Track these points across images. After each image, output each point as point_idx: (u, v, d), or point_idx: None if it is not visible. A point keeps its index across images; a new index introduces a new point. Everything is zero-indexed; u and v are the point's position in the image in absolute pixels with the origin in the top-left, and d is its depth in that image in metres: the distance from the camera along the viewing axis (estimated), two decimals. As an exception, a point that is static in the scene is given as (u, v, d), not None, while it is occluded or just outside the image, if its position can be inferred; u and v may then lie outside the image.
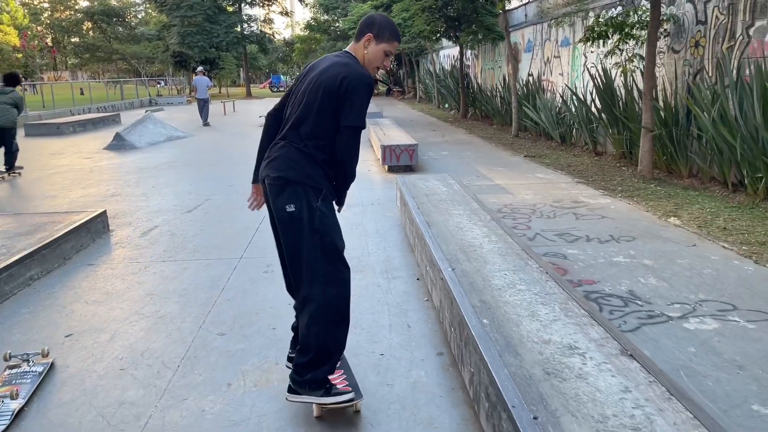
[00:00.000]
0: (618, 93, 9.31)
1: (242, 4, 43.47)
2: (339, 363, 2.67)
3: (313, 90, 2.42)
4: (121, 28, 57.03)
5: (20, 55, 46.34)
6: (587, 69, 10.85)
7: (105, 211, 5.85)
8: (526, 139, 12.89)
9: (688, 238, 5.16)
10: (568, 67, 12.07)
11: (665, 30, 8.25)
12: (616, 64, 8.59)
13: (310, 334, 2.45)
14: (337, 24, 35.75)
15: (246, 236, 5.53)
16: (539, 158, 10.07)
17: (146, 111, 21.20)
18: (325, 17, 38.80)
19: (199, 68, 20.53)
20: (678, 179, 7.88)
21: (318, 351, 2.45)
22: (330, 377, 2.53)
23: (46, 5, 57.46)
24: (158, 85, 48.95)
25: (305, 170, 2.42)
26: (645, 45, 7.92)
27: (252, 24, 45.48)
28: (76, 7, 57.16)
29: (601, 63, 9.72)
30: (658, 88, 8.47)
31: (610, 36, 8.33)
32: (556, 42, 12.66)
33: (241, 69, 51.08)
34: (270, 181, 2.46)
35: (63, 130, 16.36)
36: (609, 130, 9.61)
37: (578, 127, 10.95)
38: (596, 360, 2.26)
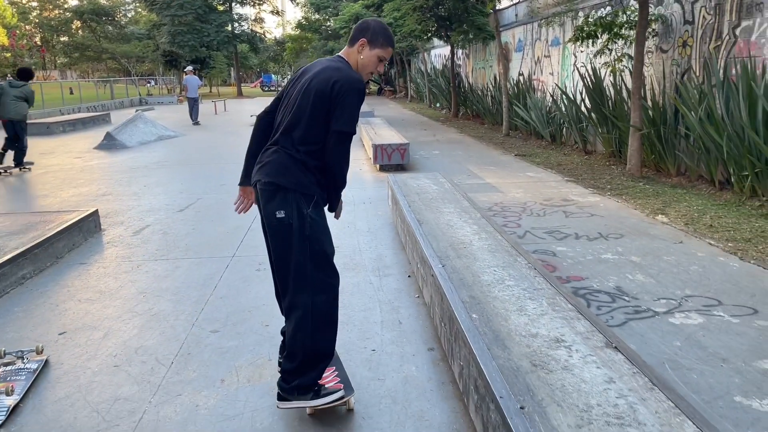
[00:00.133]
0: (607, 92, 9.41)
1: (233, 3, 43.31)
2: (330, 361, 2.68)
3: (305, 94, 2.42)
4: (110, 27, 56.58)
5: (9, 55, 45.90)
6: (577, 68, 10.94)
7: (97, 210, 5.86)
8: (516, 138, 12.98)
9: (675, 236, 5.24)
10: (558, 66, 12.17)
11: (653, 30, 8.35)
12: (605, 63, 8.68)
13: (297, 340, 2.44)
14: (328, 23, 35.71)
15: (238, 235, 5.55)
16: (530, 157, 10.16)
17: (137, 110, 21.11)
18: (316, 16, 38.69)
19: (189, 68, 20.33)
20: (666, 177, 7.98)
21: (304, 357, 2.45)
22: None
23: (34, 4, 56.90)
24: (148, 85, 48.62)
25: (296, 177, 2.41)
26: (633, 45, 8.01)
27: (243, 23, 45.38)
28: (65, 6, 56.67)
29: (590, 62, 9.81)
30: (647, 87, 8.57)
31: (599, 36, 8.42)
32: (547, 42, 12.75)
33: (232, 68, 50.92)
34: (261, 186, 2.45)
35: (53, 130, 16.27)
36: (598, 129, 9.71)
37: (568, 126, 11.04)
38: (582, 352, 2.32)
